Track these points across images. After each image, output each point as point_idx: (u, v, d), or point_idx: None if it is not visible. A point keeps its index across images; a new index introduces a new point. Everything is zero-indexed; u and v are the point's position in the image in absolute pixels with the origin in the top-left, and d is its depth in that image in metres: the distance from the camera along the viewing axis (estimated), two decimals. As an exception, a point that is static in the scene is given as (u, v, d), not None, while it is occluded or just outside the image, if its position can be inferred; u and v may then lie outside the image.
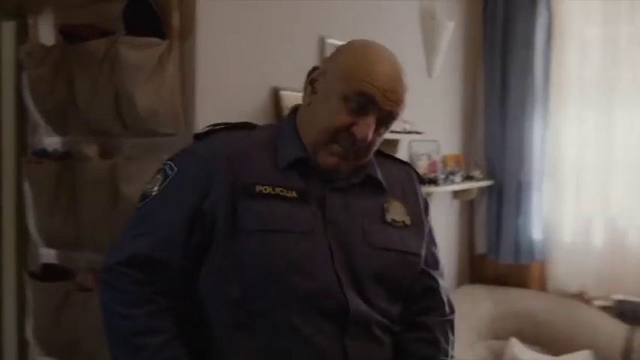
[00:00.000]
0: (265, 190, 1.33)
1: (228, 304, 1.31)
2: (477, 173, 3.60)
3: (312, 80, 1.40)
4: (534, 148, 3.57)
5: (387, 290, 1.39)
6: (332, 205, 1.37)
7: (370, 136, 1.33)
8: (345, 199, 1.39)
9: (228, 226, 1.31)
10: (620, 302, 3.34)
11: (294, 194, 1.35)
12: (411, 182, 1.53)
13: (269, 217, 1.32)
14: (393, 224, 1.42)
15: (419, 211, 1.50)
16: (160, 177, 1.38)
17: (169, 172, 1.37)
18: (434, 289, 1.49)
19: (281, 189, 1.34)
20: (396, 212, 1.44)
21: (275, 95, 2.42)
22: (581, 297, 3.47)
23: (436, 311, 1.48)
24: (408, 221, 1.45)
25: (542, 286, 3.63)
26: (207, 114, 2.15)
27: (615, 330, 3.25)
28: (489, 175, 3.69)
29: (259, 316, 1.29)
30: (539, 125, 3.57)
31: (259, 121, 2.44)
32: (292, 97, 2.40)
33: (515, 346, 3.24)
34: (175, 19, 2.12)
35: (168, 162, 1.40)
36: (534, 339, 3.33)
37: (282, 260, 1.30)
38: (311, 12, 2.61)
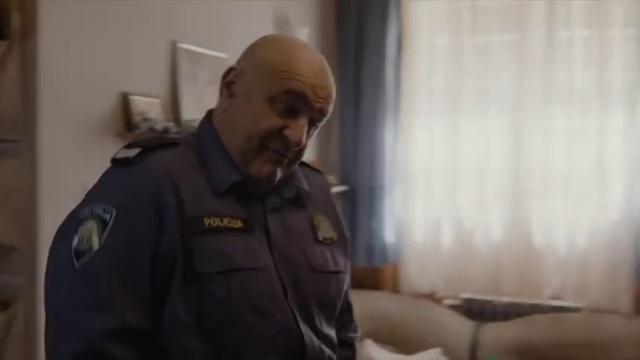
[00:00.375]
0: (214, 222, 1.19)
1: (187, 356, 1.15)
2: (331, 179, 3.70)
3: (228, 83, 1.26)
4: (386, 154, 3.72)
5: (327, 315, 1.31)
6: (274, 231, 1.25)
7: (304, 138, 1.22)
8: (282, 221, 1.27)
9: (185, 271, 1.15)
10: (468, 300, 3.55)
11: (240, 224, 1.21)
12: (327, 192, 1.44)
13: (226, 254, 1.18)
14: (324, 242, 1.33)
15: (340, 223, 1.42)
16: (93, 225, 1.15)
17: (106, 217, 1.14)
18: (350, 304, 1.46)
19: (228, 219, 1.20)
20: (325, 228, 1.35)
21: (124, 100, 2.36)
22: (431, 297, 3.67)
23: (352, 325, 1.45)
24: (335, 236, 1.36)
25: (396, 288, 3.79)
26: (52, 119, 2.06)
27: (463, 327, 3.45)
28: (344, 180, 3.80)
29: None
30: (390, 131, 3.72)
31: (108, 127, 2.38)
32: (143, 102, 2.36)
33: (370, 346, 3.35)
34: (15, 20, 2.01)
35: (96, 203, 1.16)
36: (389, 339, 3.46)
37: (246, 302, 1.18)
38: (162, 15, 2.57)
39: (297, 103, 1.21)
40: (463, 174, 3.62)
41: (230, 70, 1.28)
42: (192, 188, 1.19)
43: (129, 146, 1.23)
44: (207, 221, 1.18)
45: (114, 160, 1.23)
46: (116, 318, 1.11)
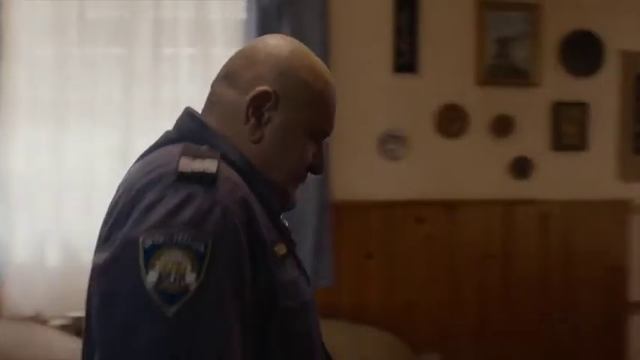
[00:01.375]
0: (281, 250, 1.08)
1: None
2: None
3: (259, 108, 1.15)
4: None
5: None
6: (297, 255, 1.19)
7: None
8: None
9: (270, 306, 1.03)
10: (78, 319, 3.58)
11: (285, 249, 1.11)
12: None
13: (298, 286, 1.09)
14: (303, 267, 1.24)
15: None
16: (187, 261, 0.93)
17: (202, 251, 0.94)
18: None
19: (284, 245, 1.10)
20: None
21: None
22: (37, 318, 3.60)
23: None
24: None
25: (-2, 312, 3.63)
26: None
27: (74, 346, 3.47)
28: None
29: None
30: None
31: None
32: None
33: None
34: None
35: (183, 233, 0.94)
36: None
37: (317, 339, 1.12)
38: None
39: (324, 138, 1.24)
40: (70, 188, 3.57)
41: (266, 93, 1.15)
42: (259, 210, 1.08)
43: (192, 155, 1.04)
44: (276, 248, 1.08)
45: (187, 175, 1.01)
46: None
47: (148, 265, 0.94)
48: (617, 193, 4.10)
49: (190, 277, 0.94)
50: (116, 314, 0.98)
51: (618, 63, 4.13)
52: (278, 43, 1.20)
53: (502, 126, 3.98)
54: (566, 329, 3.98)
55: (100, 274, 1.03)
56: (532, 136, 4.03)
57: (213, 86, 1.24)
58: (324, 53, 3.67)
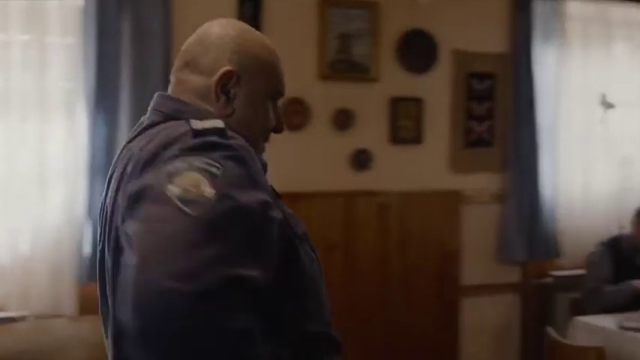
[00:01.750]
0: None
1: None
2: None
3: (224, 86, 1.33)
4: None
5: None
6: None
7: None
8: None
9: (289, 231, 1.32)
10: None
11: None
12: None
13: (295, 218, 1.40)
14: None
15: None
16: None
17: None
18: None
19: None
20: None
21: None
22: None
23: None
24: None
25: None
26: None
27: None
28: None
29: None
30: None
31: None
32: None
33: None
34: None
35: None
36: None
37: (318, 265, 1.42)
38: None
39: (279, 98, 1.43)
40: None
41: (229, 72, 1.33)
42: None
43: (198, 119, 1.21)
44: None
45: (201, 131, 1.18)
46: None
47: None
48: (449, 185, 4.42)
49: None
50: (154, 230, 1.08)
51: (450, 61, 4.44)
52: (224, 26, 1.39)
53: (343, 120, 4.16)
54: (405, 311, 4.24)
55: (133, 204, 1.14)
56: (371, 130, 4.25)
57: (175, 75, 1.39)
58: (165, 43, 3.68)
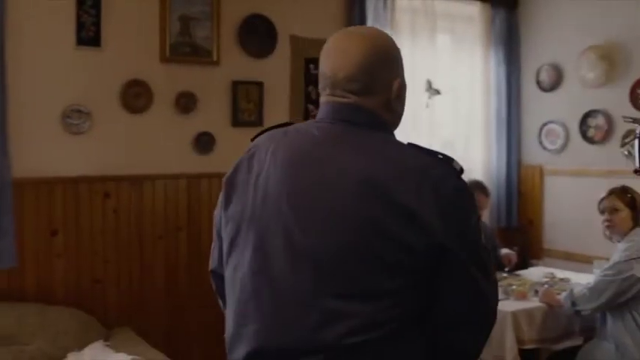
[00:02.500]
0: None
1: None
2: None
3: (399, 96, 1.58)
4: None
5: None
6: None
7: None
8: None
9: None
10: None
11: None
12: None
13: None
14: None
15: None
16: None
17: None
18: None
19: None
20: None
21: None
22: None
23: None
24: None
25: None
26: None
27: None
28: None
29: None
30: None
31: None
32: None
33: None
34: None
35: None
36: None
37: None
38: None
39: None
40: None
41: (402, 86, 1.57)
42: None
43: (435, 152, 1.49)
44: None
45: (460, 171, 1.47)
46: None
47: None
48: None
49: None
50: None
51: (288, 47, 4.60)
52: (371, 40, 1.55)
53: (185, 102, 4.20)
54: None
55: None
56: (213, 113, 4.32)
57: (343, 98, 1.54)
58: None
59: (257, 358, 1.46)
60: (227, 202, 1.59)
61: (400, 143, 1.51)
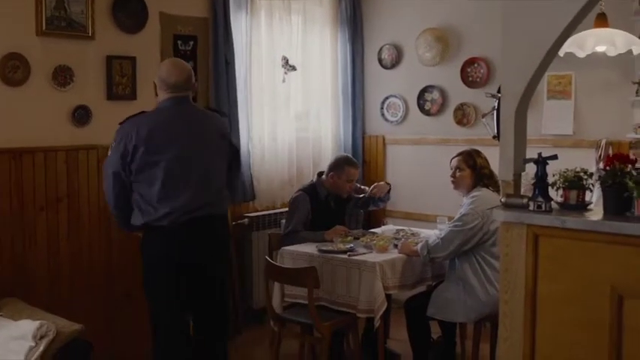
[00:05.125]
0: None
1: None
2: None
3: None
4: None
5: None
6: None
7: None
8: None
9: None
10: None
11: None
12: None
13: None
14: None
15: None
16: None
17: None
18: None
19: None
20: None
21: None
22: None
23: None
24: None
25: None
26: None
27: None
28: None
29: None
30: None
31: None
32: None
33: None
34: None
35: None
36: None
37: None
38: None
39: None
40: None
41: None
42: None
43: None
44: None
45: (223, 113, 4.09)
46: None
47: None
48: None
49: None
50: None
51: (158, 23, 4.78)
52: (187, 64, 3.65)
53: (62, 76, 4.27)
54: (122, 255, 4.56)
55: None
56: (89, 87, 4.43)
57: (184, 92, 3.71)
58: None
59: (181, 209, 3.43)
60: (134, 151, 3.43)
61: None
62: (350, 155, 5.35)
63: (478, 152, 4.32)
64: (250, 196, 5.42)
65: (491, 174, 4.23)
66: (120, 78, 4.58)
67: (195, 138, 3.52)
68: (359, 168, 5.06)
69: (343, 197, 4.90)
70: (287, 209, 4.96)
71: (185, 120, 3.54)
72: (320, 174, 4.94)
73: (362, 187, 5.11)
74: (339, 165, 4.79)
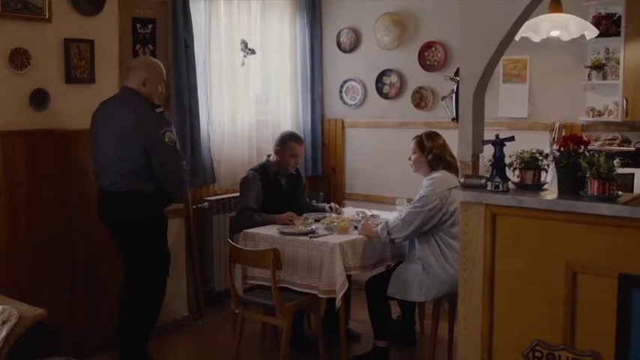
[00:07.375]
0: None
1: None
2: None
3: None
4: None
5: None
6: None
7: None
8: None
9: None
10: None
11: None
12: None
13: None
14: None
15: None
16: None
17: None
18: None
19: None
20: None
21: None
22: None
23: None
24: None
25: None
26: None
27: None
28: None
29: None
30: None
31: None
32: None
33: None
34: None
35: None
36: None
37: None
38: None
39: None
40: None
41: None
42: None
43: None
44: None
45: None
46: None
47: None
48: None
49: None
50: None
51: (116, 5, 4.73)
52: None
53: (19, 59, 4.21)
54: (84, 242, 4.53)
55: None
56: (47, 70, 4.37)
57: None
58: None
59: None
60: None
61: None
62: (295, 132, 5.39)
63: (431, 135, 4.38)
64: (210, 180, 5.42)
65: (442, 157, 4.30)
66: (78, 61, 4.53)
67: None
68: (303, 144, 5.07)
69: (290, 172, 4.95)
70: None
71: None
72: (269, 155, 4.98)
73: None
74: (283, 140, 4.88)
